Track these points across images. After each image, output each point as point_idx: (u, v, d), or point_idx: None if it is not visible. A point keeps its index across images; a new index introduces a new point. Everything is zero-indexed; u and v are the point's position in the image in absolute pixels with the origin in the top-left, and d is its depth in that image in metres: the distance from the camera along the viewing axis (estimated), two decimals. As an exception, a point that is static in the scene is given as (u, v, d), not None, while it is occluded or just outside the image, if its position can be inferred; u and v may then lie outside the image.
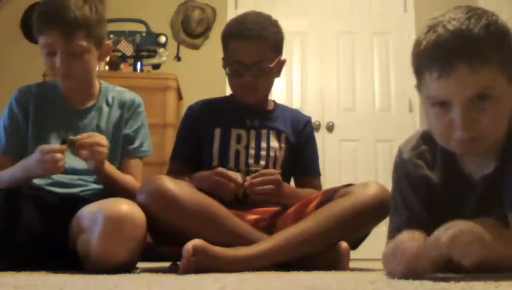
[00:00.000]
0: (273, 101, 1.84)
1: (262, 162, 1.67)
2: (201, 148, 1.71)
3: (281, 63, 1.74)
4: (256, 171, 1.61)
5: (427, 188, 1.13)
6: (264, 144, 1.70)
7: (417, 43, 1.04)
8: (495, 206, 1.06)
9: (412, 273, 0.94)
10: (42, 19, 1.50)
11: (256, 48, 1.64)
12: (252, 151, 1.68)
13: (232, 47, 1.67)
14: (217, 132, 1.70)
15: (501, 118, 1.01)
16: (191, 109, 1.81)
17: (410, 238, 0.98)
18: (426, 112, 1.08)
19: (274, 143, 1.71)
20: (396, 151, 1.22)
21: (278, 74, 1.74)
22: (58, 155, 1.35)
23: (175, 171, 1.67)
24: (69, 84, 1.56)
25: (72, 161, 1.53)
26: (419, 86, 1.07)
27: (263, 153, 1.68)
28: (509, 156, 1.05)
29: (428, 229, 1.11)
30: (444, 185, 1.13)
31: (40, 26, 1.50)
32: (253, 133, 1.70)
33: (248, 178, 1.52)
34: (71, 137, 1.39)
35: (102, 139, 1.42)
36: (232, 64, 1.67)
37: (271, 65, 1.67)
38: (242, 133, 1.70)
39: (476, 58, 0.95)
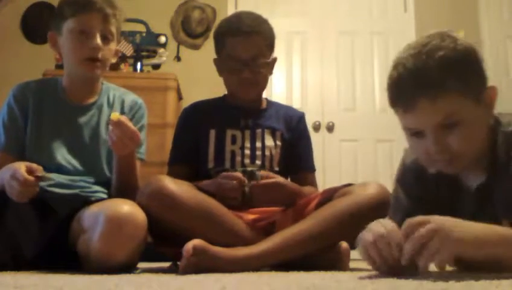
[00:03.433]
0: (266, 98, 1.86)
1: (258, 162, 1.68)
2: (198, 149, 1.71)
3: (273, 61, 1.77)
4: (252, 170, 1.61)
5: (425, 196, 1.21)
6: (258, 144, 1.70)
7: (388, 78, 1.11)
8: (490, 215, 1.09)
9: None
10: (79, 1, 1.55)
11: (254, 43, 1.68)
12: (247, 152, 1.69)
13: (230, 44, 1.69)
14: (212, 133, 1.71)
15: (472, 138, 1.08)
16: (185, 111, 1.83)
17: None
18: (407, 139, 1.16)
19: (269, 142, 1.72)
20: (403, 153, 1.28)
21: (270, 72, 1.77)
22: (21, 189, 1.29)
23: (174, 175, 1.66)
24: (96, 69, 1.58)
25: (75, 162, 1.53)
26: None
27: (258, 153, 1.69)
28: (495, 168, 1.11)
29: None
30: (442, 194, 1.20)
31: (76, 8, 1.55)
32: (247, 133, 1.71)
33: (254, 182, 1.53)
34: (51, 175, 1.38)
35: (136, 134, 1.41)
36: (229, 62, 1.69)
37: (267, 60, 1.71)
38: (237, 134, 1.71)
39: (433, 90, 1.03)
